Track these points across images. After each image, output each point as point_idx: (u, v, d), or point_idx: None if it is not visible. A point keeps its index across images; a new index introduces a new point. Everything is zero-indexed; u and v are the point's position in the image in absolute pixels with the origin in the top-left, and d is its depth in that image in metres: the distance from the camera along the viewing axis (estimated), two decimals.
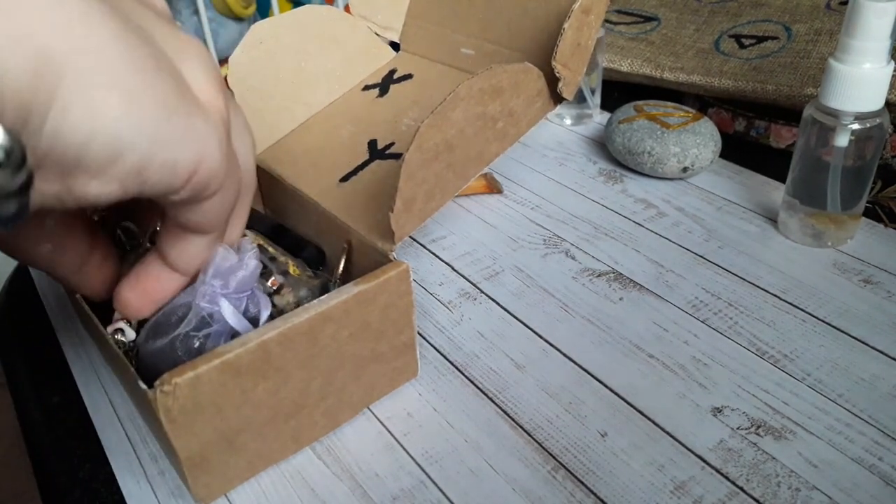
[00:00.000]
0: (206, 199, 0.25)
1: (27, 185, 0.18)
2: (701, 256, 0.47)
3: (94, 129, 0.19)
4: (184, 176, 0.23)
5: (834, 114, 0.42)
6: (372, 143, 0.45)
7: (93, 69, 0.19)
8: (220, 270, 0.31)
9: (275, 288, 0.36)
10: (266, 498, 0.33)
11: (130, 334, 0.33)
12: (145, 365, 0.32)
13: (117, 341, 0.32)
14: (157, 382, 0.28)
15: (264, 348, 0.30)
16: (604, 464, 0.33)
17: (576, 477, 0.33)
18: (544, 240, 0.50)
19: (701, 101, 0.63)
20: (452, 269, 0.48)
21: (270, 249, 0.39)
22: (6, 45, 0.17)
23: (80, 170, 0.20)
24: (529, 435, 0.35)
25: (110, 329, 0.33)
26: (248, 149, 0.29)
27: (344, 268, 0.39)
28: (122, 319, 0.33)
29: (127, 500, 0.33)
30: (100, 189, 0.21)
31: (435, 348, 0.41)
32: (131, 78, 0.20)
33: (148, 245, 0.35)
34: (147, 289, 0.30)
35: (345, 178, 0.43)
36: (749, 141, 0.60)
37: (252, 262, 0.32)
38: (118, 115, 0.20)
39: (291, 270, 0.38)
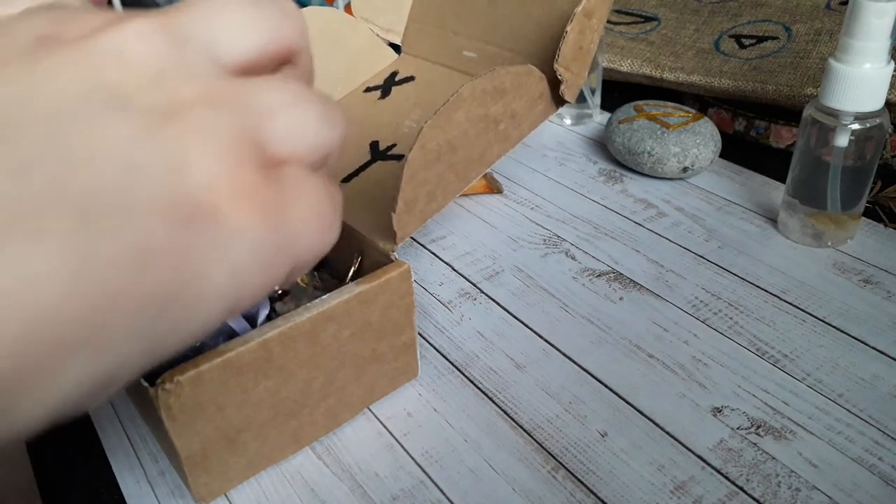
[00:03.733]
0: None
1: None
2: (701, 256, 0.47)
3: (63, 401, 0.14)
4: (216, 323, 0.16)
5: (834, 114, 0.42)
6: (374, 145, 0.45)
7: (50, 343, 0.13)
8: None
9: (279, 292, 0.37)
10: (266, 497, 0.33)
11: None
12: None
13: None
14: (158, 380, 0.28)
15: (266, 347, 0.30)
16: (604, 464, 0.33)
17: (576, 477, 0.33)
18: (544, 240, 0.50)
19: (701, 101, 0.63)
20: (452, 269, 0.48)
21: None
22: None
23: (63, 411, 0.14)
24: (529, 435, 0.35)
25: None
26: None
27: (352, 277, 0.39)
28: None
29: (127, 500, 0.34)
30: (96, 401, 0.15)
31: (435, 348, 0.41)
32: (98, 311, 0.13)
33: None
34: None
35: (346, 179, 0.43)
36: (749, 141, 0.60)
37: None
38: (89, 373, 0.14)
39: (298, 279, 0.38)
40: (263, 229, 0.16)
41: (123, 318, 0.14)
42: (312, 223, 0.18)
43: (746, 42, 0.63)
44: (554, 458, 0.34)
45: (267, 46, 0.18)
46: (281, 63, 0.19)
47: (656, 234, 0.49)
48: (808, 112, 0.44)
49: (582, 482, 0.33)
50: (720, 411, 0.36)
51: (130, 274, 0.14)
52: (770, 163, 0.56)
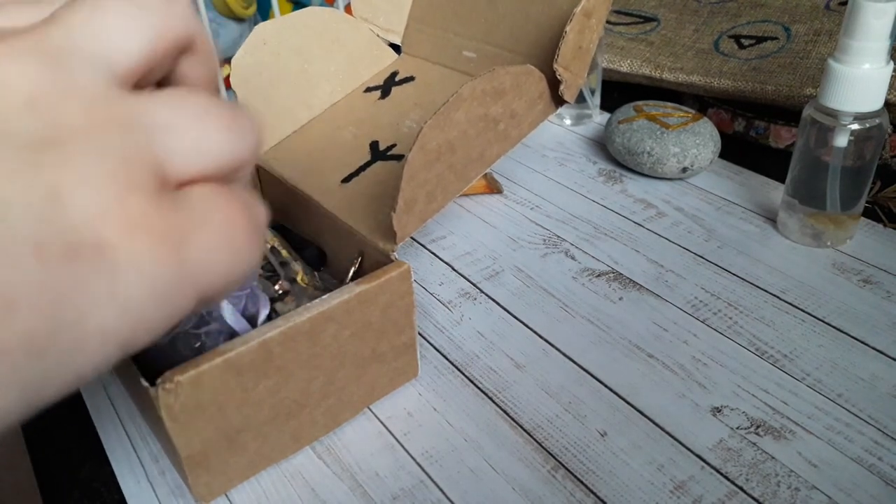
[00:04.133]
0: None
1: None
2: (700, 256, 0.47)
3: None
4: (107, 363, 0.15)
5: (833, 114, 0.42)
6: (374, 145, 0.45)
7: None
8: None
9: (280, 292, 0.37)
10: (266, 497, 0.33)
11: None
12: (146, 363, 0.32)
13: None
14: (159, 380, 0.28)
15: (266, 347, 0.30)
16: (604, 463, 0.34)
17: (576, 477, 0.33)
18: (544, 240, 0.50)
19: (700, 102, 0.63)
20: (452, 269, 0.48)
21: (283, 253, 0.39)
22: None
23: None
24: (529, 435, 0.35)
25: None
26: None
27: (352, 277, 0.39)
28: None
29: (127, 499, 0.34)
30: None
31: (435, 348, 0.41)
32: None
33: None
34: None
35: (346, 179, 0.43)
36: (749, 141, 0.60)
37: None
38: None
39: (300, 279, 0.38)
40: (160, 260, 0.15)
41: None
42: (221, 249, 0.16)
43: (746, 42, 0.63)
44: (554, 457, 0.34)
45: (156, 44, 0.17)
46: (179, 54, 0.18)
47: (656, 234, 0.49)
48: (807, 112, 0.44)
49: (582, 482, 0.33)
50: (720, 411, 0.36)
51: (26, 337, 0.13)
52: (769, 163, 0.56)
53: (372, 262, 0.37)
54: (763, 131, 0.59)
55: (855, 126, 0.42)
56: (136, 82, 0.17)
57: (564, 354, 0.40)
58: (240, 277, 0.17)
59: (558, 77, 0.40)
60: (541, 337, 0.41)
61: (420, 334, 0.42)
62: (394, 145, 0.44)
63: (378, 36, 0.53)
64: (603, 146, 0.60)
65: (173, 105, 0.16)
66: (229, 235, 0.16)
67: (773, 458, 0.33)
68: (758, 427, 0.35)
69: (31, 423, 0.39)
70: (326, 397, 0.34)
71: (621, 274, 0.46)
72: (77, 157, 0.14)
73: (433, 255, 0.49)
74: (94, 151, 0.14)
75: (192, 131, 0.16)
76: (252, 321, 0.34)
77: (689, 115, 0.55)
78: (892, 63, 0.41)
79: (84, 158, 0.14)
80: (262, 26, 0.47)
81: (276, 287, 0.37)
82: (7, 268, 0.13)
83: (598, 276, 0.46)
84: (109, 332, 0.14)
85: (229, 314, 0.32)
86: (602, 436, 0.35)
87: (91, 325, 0.14)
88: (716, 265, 0.46)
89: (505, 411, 0.37)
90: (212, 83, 0.20)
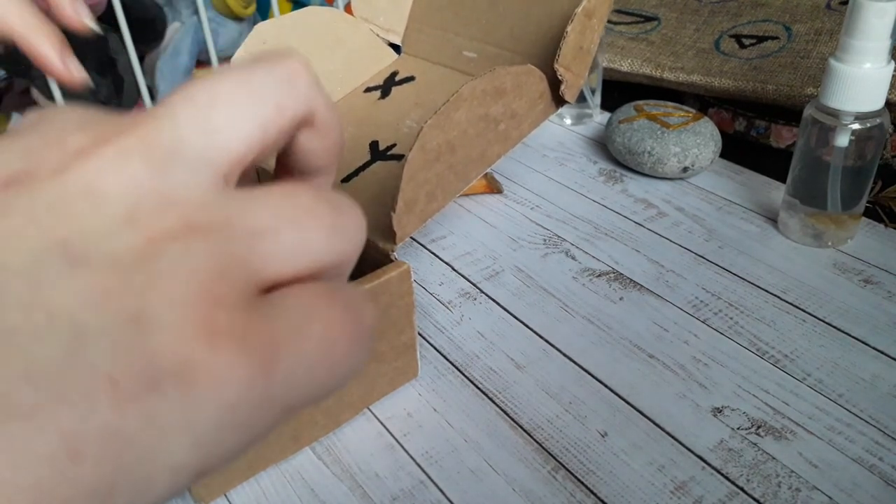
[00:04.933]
0: None
1: None
2: (701, 256, 0.47)
3: None
4: (177, 495, 0.14)
5: (834, 114, 0.42)
6: (373, 145, 0.45)
7: None
8: None
9: None
10: (265, 498, 0.33)
11: None
12: None
13: None
14: None
15: None
16: (604, 464, 0.33)
17: (576, 477, 0.33)
18: (544, 240, 0.50)
19: (701, 101, 0.63)
20: (452, 269, 0.48)
21: None
22: None
23: None
24: (529, 435, 0.35)
25: None
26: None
27: (350, 278, 0.39)
28: None
29: None
30: None
31: (435, 348, 0.41)
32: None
33: None
34: None
35: (346, 179, 0.43)
36: (749, 141, 0.60)
37: None
38: None
39: None
40: (246, 382, 0.13)
41: None
42: (318, 363, 0.14)
43: (747, 42, 0.63)
44: (554, 458, 0.34)
45: (267, 131, 0.16)
46: (297, 129, 0.17)
47: (656, 234, 0.49)
48: (808, 112, 0.44)
49: (582, 482, 0.33)
50: (720, 411, 0.36)
51: (57, 470, 0.11)
52: (770, 163, 0.56)
53: (372, 262, 0.37)
54: (764, 131, 0.59)
55: (856, 126, 0.42)
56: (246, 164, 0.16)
57: (565, 355, 0.40)
58: (335, 391, 0.15)
59: (559, 77, 0.40)
60: (541, 337, 0.41)
61: (420, 334, 0.42)
62: (394, 145, 0.44)
63: (378, 36, 0.53)
64: (603, 146, 0.60)
65: (273, 206, 0.15)
66: (328, 347, 0.14)
67: (773, 458, 0.33)
68: (758, 427, 0.35)
69: None
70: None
71: (622, 274, 0.46)
72: (167, 272, 0.13)
73: (433, 255, 0.49)
74: (187, 265, 0.13)
75: (290, 234, 0.15)
76: None
77: (690, 115, 0.55)
78: (893, 62, 0.41)
79: (174, 274, 0.13)
80: (262, 26, 0.47)
81: None
82: (77, 413, 0.11)
83: (599, 276, 0.46)
84: (180, 467, 0.13)
85: None
86: (602, 436, 0.35)
87: (160, 463, 0.12)
88: (716, 265, 0.46)
89: (505, 412, 0.37)
90: (331, 155, 0.19)
